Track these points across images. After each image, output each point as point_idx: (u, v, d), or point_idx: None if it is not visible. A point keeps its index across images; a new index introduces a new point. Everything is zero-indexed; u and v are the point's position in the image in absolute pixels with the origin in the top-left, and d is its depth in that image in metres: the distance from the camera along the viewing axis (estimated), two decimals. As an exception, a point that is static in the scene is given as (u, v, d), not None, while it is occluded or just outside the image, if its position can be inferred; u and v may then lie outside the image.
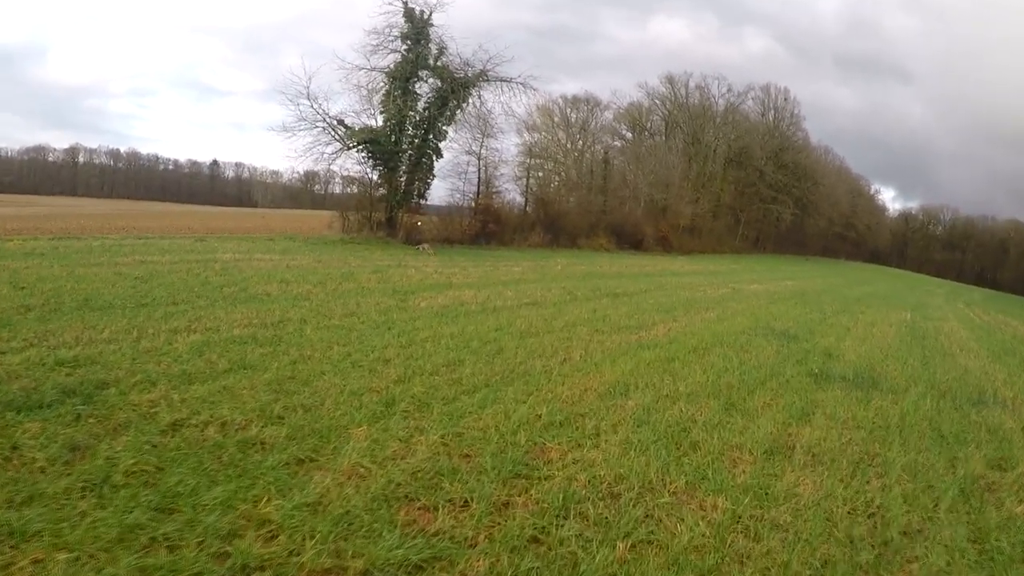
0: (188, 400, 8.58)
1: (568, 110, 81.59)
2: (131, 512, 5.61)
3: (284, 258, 27.99)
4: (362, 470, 6.96)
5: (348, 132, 43.44)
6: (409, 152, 45.97)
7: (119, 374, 9.43)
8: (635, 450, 8.20)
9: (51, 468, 6.34)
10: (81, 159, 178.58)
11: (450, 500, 6.49)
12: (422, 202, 49.36)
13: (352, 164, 46.17)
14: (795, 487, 7.56)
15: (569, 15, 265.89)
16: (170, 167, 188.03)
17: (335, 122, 43.37)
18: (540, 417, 9.17)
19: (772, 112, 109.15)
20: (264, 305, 16.23)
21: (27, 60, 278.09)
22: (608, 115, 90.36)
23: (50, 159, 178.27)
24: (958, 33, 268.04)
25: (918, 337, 22.71)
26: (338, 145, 43.67)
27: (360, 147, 44.07)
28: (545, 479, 7.16)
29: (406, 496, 6.50)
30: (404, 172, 46.44)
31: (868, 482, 8.05)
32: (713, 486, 7.33)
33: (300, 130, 42.42)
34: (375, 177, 46.48)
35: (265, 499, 6.09)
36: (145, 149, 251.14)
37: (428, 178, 48.01)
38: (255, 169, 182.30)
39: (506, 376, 11.33)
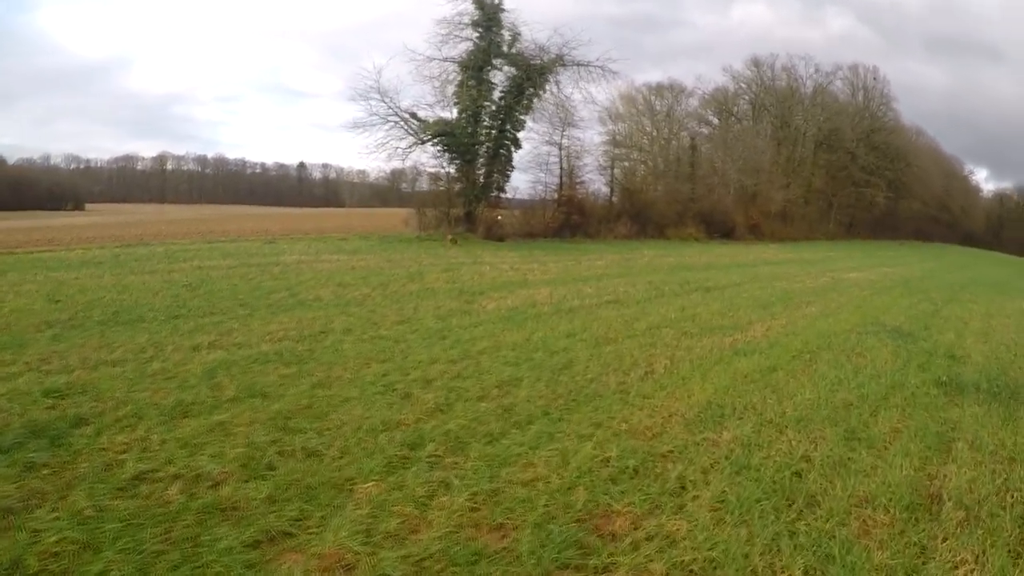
0: (168, 443, 7.14)
1: (652, 98, 79.44)
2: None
3: (352, 258, 26.79)
4: (348, 557, 5.17)
5: (422, 125, 42.45)
6: (486, 144, 44.71)
7: (106, 406, 8.14)
8: (733, 513, 6.14)
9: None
10: (169, 166, 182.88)
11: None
12: (502, 195, 47.87)
13: (428, 158, 45.16)
14: (953, 569, 5.48)
15: (649, 3, 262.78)
16: (257, 170, 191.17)
17: (407, 115, 42.16)
18: (608, 461, 7.16)
19: (862, 92, 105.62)
20: (310, 312, 14.86)
21: (113, 71, 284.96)
22: (693, 101, 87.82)
23: (139, 167, 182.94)
24: None
25: (1045, 329, 20.28)
26: (412, 139, 42.57)
27: (435, 140, 42.84)
28: (604, 571, 5.16)
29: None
30: (482, 165, 45.23)
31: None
32: (843, 572, 5.27)
33: (372, 125, 41.48)
34: (452, 171, 44.99)
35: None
36: (232, 154, 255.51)
37: (507, 170, 46.63)
38: (341, 169, 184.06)
39: (571, 399, 9.34)
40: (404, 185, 50.62)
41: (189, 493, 6.05)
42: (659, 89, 79.95)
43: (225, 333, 12.41)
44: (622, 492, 6.47)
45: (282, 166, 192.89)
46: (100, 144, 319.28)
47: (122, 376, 9.39)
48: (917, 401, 10.36)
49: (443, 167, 45.03)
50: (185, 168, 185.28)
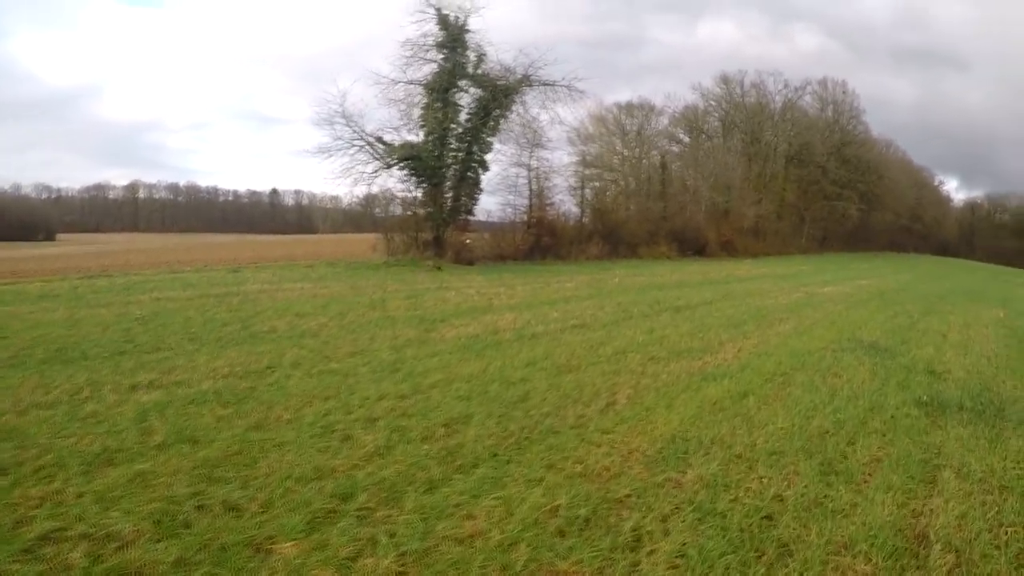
0: (84, 496, 6.46)
1: (622, 117, 79.31)
2: None
3: (315, 286, 26.02)
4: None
5: (388, 149, 42.07)
6: (453, 167, 44.26)
7: (28, 455, 7.47)
8: (693, 571, 5.44)
9: None
10: (141, 195, 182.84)
11: None
12: (470, 218, 47.37)
13: (395, 183, 44.55)
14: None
15: (617, 23, 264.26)
16: (230, 198, 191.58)
17: (373, 139, 41.73)
18: (557, 511, 6.41)
19: (831, 106, 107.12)
20: (261, 346, 14.07)
21: (84, 99, 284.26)
22: (663, 120, 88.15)
23: (111, 196, 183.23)
24: (1012, 16, 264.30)
25: (1023, 340, 19.69)
26: (378, 163, 42.16)
27: (401, 164, 42.39)
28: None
29: None
30: (450, 188, 44.72)
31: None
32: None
33: (337, 150, 41.13)
34: (419, 195, 44.52)
35: None
36: (205, 182, 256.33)
37: (475, 193, 46.20)
38: (314, 196, 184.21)
39: (524, 437, 8.56)
40: (377, 210, 49.81)
41: (94, 556, 5.43)
42: (629, 108, 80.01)
43: (168, 371, 11.67)
44: (569, 548, 5.74)
45: (254, 193, 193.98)
46: (71, 174, 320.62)
47: (51, 420, 8.74)
48: (898, 425, 9.71)
49: (410, 191, 44.56)
50: (157, 196, 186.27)
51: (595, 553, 5.65)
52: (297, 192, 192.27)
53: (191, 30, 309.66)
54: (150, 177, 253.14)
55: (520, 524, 6.09)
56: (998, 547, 6.06)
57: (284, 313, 18.42)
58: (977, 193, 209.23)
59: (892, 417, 10.08)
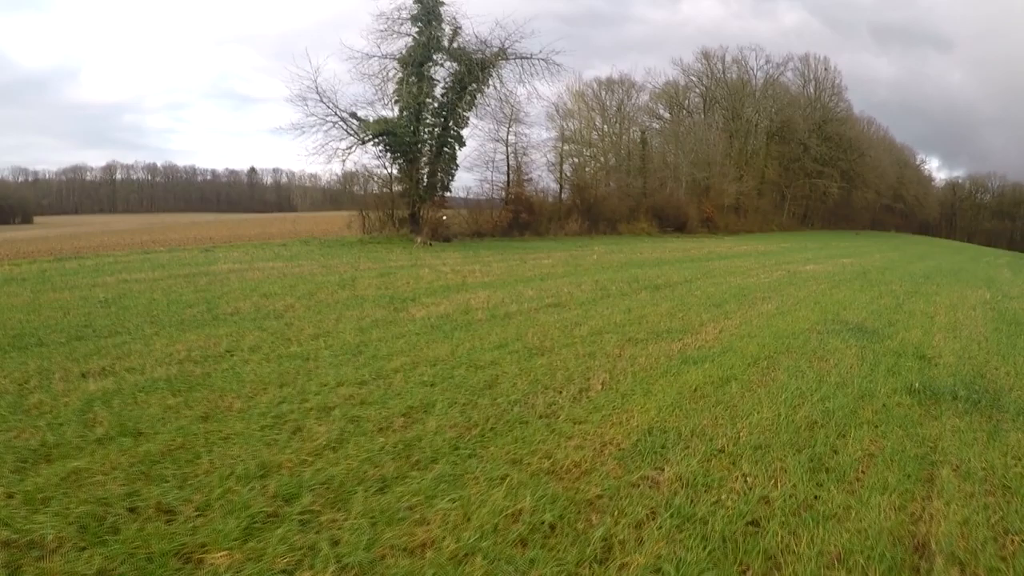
0: (14, 497, 5.93)
1: (603, 93, 78.92)
2: None
3: (287, 265, 25.35)
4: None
5: (362, 125, 41.12)
6: (429, 142, 43.57)
7: None
8: (672, 592, 4.81)
9: None
10: (119, 176, 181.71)
11: None
12: (447, 195, 46.95)
13: (370, 159, 43.96)
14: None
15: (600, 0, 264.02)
16: (208, 177, 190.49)
17: (347, 115, 40.83)
18: (519, 515, 5.78)
19: (813, 83, 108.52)
20: (222, 329, 13.40)
21: (60, 82, 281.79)
22: (644, 96, 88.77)
23: (88, 178, 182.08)
24: None
25: (1012, 322, 19.06)
26: (352, 140, 41.27)
27: (376, 140, 41.61)
28: None
29: None
30: (425, 164, 44.01)
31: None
32: None
33: (310, 127, 40.20)
34: (395, 171, 43.79)
35: None
36: (184, 162, 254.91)
37: (451, 169, 45.51)
38: (293, 174, 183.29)
39: (489, 428, 7.92)
40: (357, 188, 49.17)
41: (13, 567, 4.94)
42: (609, 84, 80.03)
43: (123, 356, 11.04)
44: (531, 561, 5.11)
45: (232, 172, 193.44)
46: (48, 156, 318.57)
47: (-7, 413, 8.07)
48: (890, 415, 9.11)
49: (386, 167, 43.85)
50: (135, 177, 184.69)
51: (559, 568, 5.03)
52: (276, 171, 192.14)
53: (165, 9, 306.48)
54: (128, 158, 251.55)
55: (478, 531, 5.47)
56: (1004, 558, 5.51)
57: (251, 294, 17.79)
58: (958, 172, 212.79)
59: (884, 406, 9.49)
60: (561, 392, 9.51)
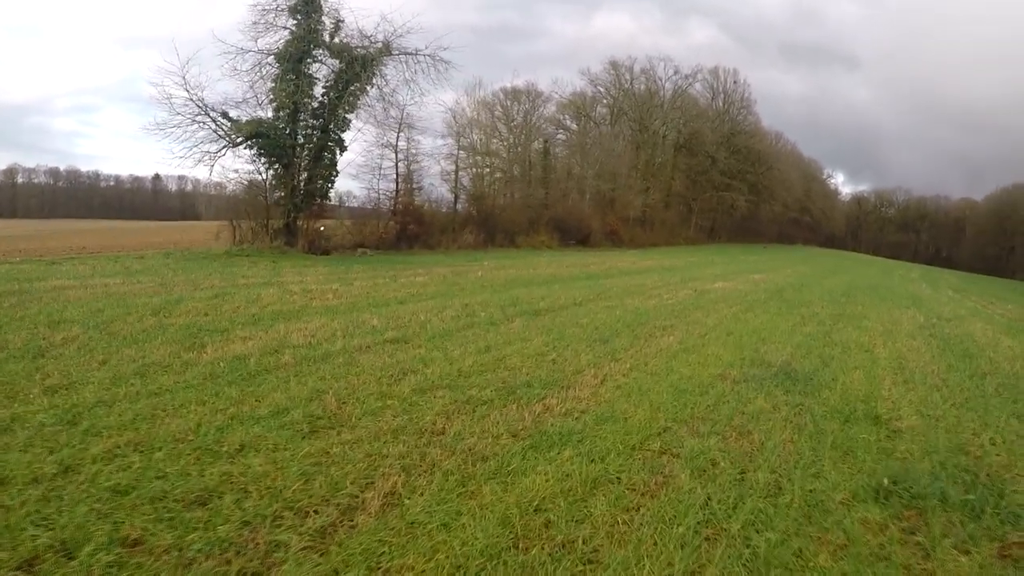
0: None
1: (509, 102, 76.02)
2: None
3: (123, 282, 21.33)
4: None
5: (234, 126, 37.24)
6: (307, 146, 39.85)
7: None
8: None
9: None
10: (20, 179, 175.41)
11: None
12: (329, 203, 43.56)
13: (243, 163, 40.38)
14: None
15: (511, 12, 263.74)
16: (112, 183, 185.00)
17: (217, 115, 37.00)
18: None
19: (722, 96, 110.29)
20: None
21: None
22: (551, 107, 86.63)
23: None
24: (900, 16, 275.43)
25: (963, 355, 16.03)
26: (223, 142, 37.44)
27: (248, 143, 37.82)
28: None
29: None
30: (303, 169, 40.23)
31: None
32: None
33: (175, 126, 36.10)
34: (269, 177, 39.88)
35: None
36: (92, 167, 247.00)
37: (332, 175, 41.83)
38: (199, 182, 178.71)
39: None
40: (262, 197, 45.18)
41: None
42: (515, 93, 77.28)
43: None
44: None
45: (136, 179, 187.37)
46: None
47: None
48: (858, 556, 5.39)
49: (259, 173, 39.87)
50: (37, 181, 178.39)
51: None
52: (181, 178, 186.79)
53: (75, 8, 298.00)
54: (32, 162, 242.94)
55: None
56: None
57: (42, 320, 13.92)
58: (863, 187, 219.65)
59: (844, 534, 5.88)
60: (308, 518, 5.72)
